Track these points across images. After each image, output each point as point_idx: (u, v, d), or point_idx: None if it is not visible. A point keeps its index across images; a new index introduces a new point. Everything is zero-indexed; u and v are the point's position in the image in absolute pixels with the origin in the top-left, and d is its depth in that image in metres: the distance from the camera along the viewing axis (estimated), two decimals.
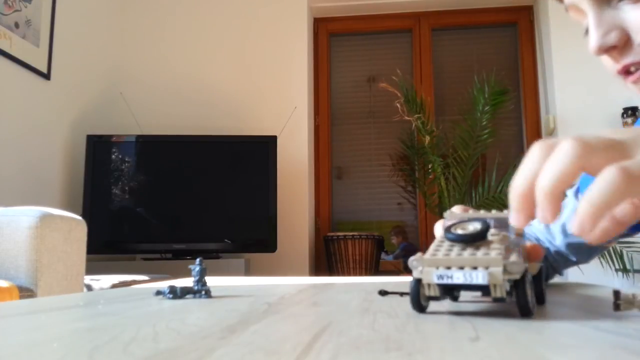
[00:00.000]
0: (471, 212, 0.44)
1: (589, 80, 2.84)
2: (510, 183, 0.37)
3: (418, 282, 0.39)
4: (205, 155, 2.68)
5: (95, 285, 1.80)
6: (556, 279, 0.84)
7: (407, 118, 2.78)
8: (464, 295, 0.45)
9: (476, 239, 0.38)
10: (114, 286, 1.79)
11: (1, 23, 2.19)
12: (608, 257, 2.51)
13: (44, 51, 2.46)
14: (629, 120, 2.70)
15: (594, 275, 2.49)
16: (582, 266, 1.02)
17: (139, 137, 2.72)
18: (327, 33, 3.37)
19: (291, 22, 3.11)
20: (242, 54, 3.09)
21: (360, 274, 2.76)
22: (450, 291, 0.39)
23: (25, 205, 1.56)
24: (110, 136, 2.67)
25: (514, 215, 0.37)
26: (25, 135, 2.35)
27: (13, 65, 2.27)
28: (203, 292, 0.56)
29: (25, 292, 1.39)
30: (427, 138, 2.78)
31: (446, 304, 0.44)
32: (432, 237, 0.45)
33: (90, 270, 1.73)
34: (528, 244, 0.45)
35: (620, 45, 0.54)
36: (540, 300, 0.45)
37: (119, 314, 0.42)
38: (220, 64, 3.09)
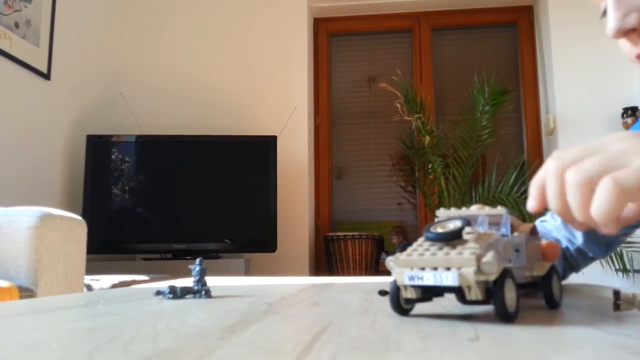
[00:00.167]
0: (463, 210, 0.42)
1: (589, 80, 2.84)
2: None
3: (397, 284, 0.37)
4: (205, 155, 2.68)
5: (95, 285, 1.79)
6: None
7: (407, 118, 2.78)
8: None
9: (454, 238, 0.36)
10: (114, 286, 1.79)
11: (1, 23, 2.19)
12: (608, 257, 2.51)
13: (44, 51, 2.46)
14: (629, 120, 2.70)
15: (594, 276, 2.48)
16: None
17: (139, 137, 2.71)
18: (327, 33, 3.37)
19: (291, 22, 3.11)
20: (242, 54, 3.09)
21: (360, 274, 2.76)
22: (429, 293, 0.38)
23: (25, 205, 1.56)
24: (110, 136, 2.67)
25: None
26: (25, 135, 2.35)
27: (13, 65, 2.27)
28: (203, 292, 0.56)
29: (25, 292, 1.39)
30: (427, 138, 2.78)
31: (446, 304, 0.44)
32: None
33: (90, 270, 1.73)
34: (543, 242, 0.44)
35: None
36: (551, 303, 0.42)
37: (119, 314, 0.42)
38: (220, 64, 3.08)
